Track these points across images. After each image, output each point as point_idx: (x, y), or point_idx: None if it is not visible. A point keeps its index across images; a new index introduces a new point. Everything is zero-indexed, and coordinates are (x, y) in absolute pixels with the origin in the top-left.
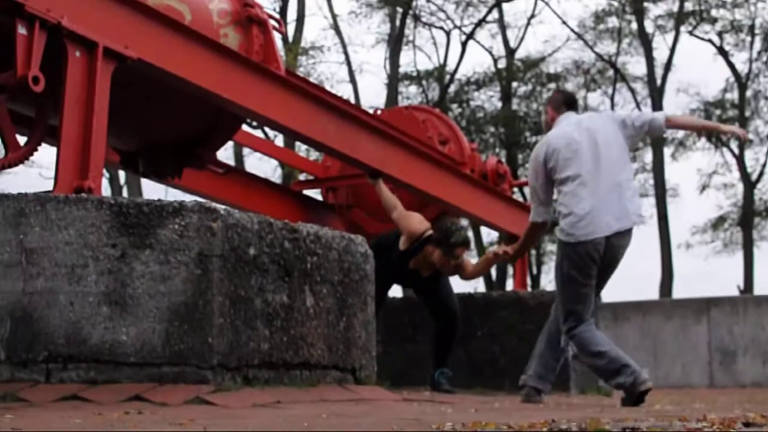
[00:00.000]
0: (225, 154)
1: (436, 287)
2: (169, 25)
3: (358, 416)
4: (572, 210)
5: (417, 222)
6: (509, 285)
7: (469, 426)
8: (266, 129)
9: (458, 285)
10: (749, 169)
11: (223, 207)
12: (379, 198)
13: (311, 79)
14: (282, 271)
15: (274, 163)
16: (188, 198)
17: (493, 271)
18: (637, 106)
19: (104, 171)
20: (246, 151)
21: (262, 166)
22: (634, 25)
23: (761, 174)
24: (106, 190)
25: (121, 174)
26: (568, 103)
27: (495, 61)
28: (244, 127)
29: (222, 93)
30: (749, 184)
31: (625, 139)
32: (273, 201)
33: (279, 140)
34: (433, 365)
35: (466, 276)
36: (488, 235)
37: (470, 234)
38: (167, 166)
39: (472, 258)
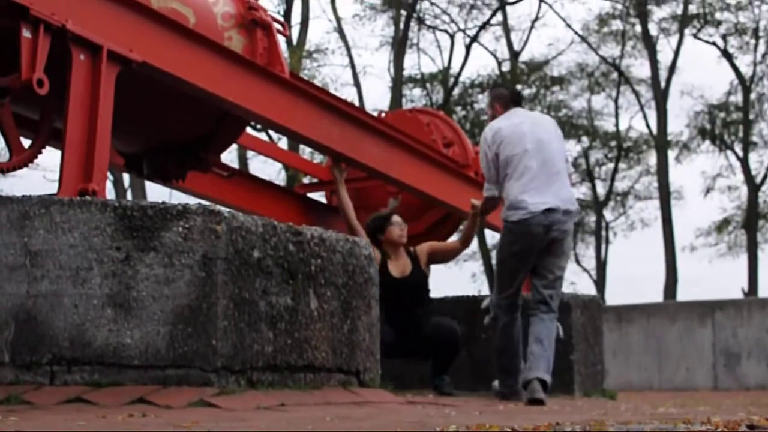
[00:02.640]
0: (229, 156)
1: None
2: (174, 28)
3: (362, 419)
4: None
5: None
6: None
7: (473, 428)
8: (270, 132)
9: (462, 288)
10: (753, 172)
11: (227, 210)
12: (339, 199)
13: (315, 82)
14: (286, 273)
15: (279, 165)
16: (192, 201)
17: None
18: (641, 109)
19: (108, 174)
20: (250, 153)
21: (266, 168)
22: (638, 28)
23: (765, 177)
24: (110, 193)
25: (126, 177)
26: (515, 100)
27: (499, 64)
28: (249, 130)
29: (226, 96)
30: (753, 187)
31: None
32: (277, 204)
33: (283, 143)
34: (433, 372)
35: (459, 245)
36: (492, 237)
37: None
38: (171, 168)
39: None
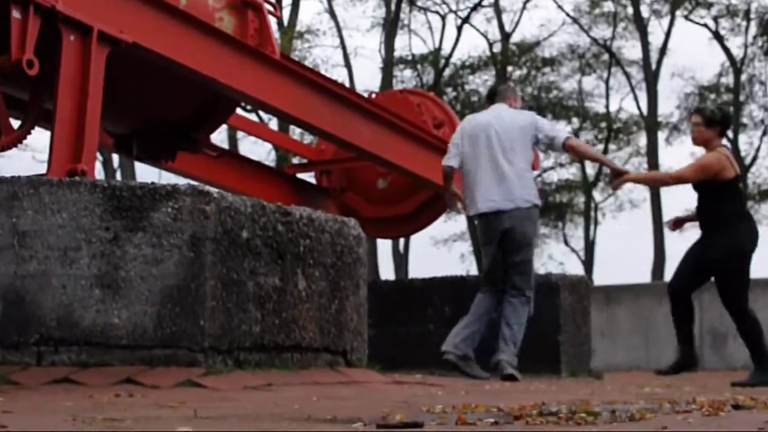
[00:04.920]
0: (219, 137)
1: None
2: (164, 9)
3: (349, 399)
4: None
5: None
6: None
7: (460, 408)
8: (260, 112)
9: (451, 268)
10: (743, 153)
11: (216, 190)
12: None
13: (306, 63)
14: (275, 254)
15: (268, 146)
16: (182, 181)
17: None
18: (632, 90)
19: (98, 154)
20: (240, 134)
21: (256, 149)
22: (630, 10)
23: (755, 158)
24: (99, 173)
25: (115, 157)
26: (488, 96)
27: (490, 45)
28: (239, 111)
29: (217, 77)
30: (743, 168)
31: (529, 138)
32: (266, 184)
33: (273, 123)
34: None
35: None
36: None
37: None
38: (161, 149)
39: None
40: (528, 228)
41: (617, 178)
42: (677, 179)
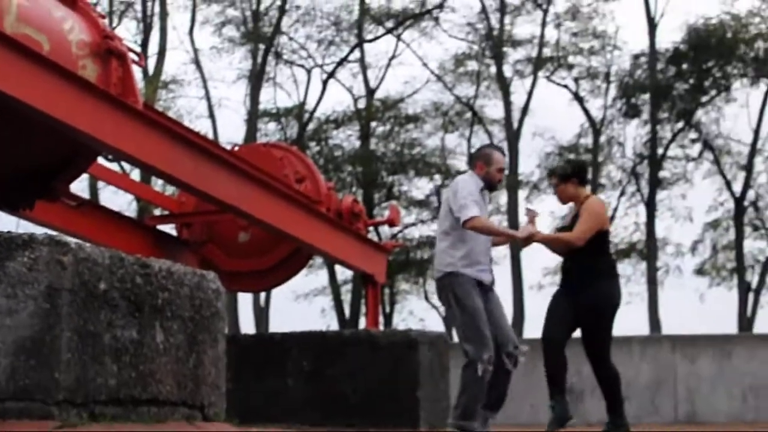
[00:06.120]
0: (79, 186)
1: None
2: (25, 54)
3: None
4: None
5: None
6: (362, 323)
7: None
8: (123, 162)
9: (312, 323)
10: None
11: (74, 240)
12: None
13: (170, 114)
14: (132, 306)
15: (130, 197)
16: (40, 231)
17: (347, 309)
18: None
19: None
20: (101, 184)
21: (117, 199)
22: (493, 69)
23: (612, 218)
24: None
25: None
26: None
27: (355, 100)
28: (100, 160)
29: (77, 125)
30: None
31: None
32: (126, 236)
33: (135, 174)
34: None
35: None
36: (342, 273)
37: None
38: (19, 197)
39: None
40: (443, 297)
41: (525, 241)
42: (580, 239)
